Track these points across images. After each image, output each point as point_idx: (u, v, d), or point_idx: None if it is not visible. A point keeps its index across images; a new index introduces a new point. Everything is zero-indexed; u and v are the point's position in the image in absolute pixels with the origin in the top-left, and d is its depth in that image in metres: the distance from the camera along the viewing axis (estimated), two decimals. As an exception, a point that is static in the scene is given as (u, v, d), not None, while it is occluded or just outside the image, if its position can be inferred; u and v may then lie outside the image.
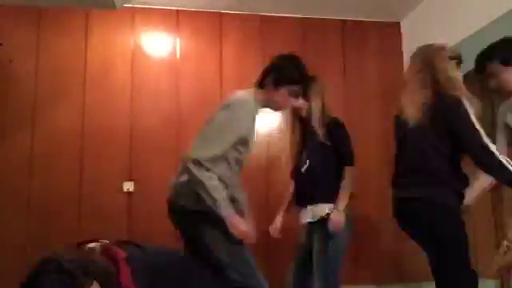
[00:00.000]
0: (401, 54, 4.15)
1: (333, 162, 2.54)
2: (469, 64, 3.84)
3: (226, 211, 1.89)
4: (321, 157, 2.54)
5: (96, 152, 3.52)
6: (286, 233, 2.74)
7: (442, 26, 3.60)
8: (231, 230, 1.89)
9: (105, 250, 1.46)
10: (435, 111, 1.99)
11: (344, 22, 4.09)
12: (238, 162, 2.04)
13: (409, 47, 4.10)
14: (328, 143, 2.52)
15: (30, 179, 3.41)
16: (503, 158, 1.89)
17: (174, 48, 3.80)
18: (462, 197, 2.06)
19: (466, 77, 3.76)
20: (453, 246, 1.98)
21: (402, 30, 4.17)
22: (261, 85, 2.13)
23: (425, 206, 2.01)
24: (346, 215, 2.46)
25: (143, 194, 3.53)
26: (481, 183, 2.21)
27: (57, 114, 3.53)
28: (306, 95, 2.43)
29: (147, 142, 3.61)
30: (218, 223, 1.89)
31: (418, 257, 2.44)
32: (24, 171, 3.41)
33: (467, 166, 2.07)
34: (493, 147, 1.91)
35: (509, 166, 1.88)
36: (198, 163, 1.88)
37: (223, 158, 1.95)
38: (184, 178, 1.97)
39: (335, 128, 2.55)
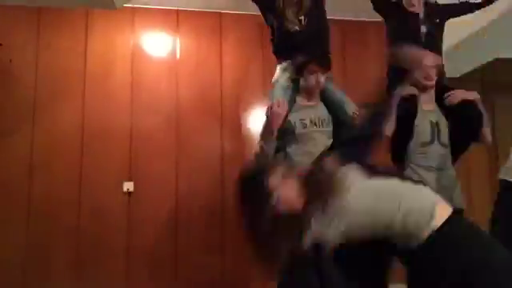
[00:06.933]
0: (401, 53, 4.14)
1: None
2: (468, 64, 3.85)
3: None
4: None
5: (96, 152, 3.53)
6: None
7: (442, 26, 3.59)
8: None
9: None
10: None
11: (344, 22, 4.09)
12: None
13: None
14: None
15: (30, 179, 3.42)
16: None
17: (174, 48, 3.80)
18: None
19: (465, 77, 3.78)
20: None
21: (402, 29, 4.17)
22: None
23: None
24: None
25: (143, 194, 3.53)
26: None
27: (57, 114, 3.54)
28: None
29: (147, 142, 3.61)
30: None
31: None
32: (24, 171, 3.42)
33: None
34: None
35: None
36: None
37: None
38: None
39: None
